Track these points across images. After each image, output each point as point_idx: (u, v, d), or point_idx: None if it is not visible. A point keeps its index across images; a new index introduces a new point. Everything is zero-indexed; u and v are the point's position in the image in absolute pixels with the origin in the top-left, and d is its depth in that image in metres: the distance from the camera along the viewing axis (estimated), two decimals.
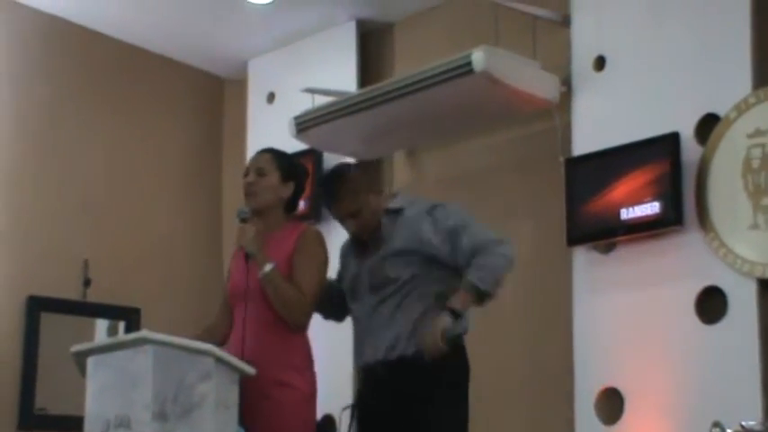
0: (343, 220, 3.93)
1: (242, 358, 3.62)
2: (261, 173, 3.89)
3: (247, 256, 3.79)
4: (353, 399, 5.61)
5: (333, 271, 4.07)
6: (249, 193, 3.88)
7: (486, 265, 3.69)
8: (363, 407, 3.89)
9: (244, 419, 3.57)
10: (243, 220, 3.84)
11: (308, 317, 3.78)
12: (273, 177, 3.89)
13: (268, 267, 3.72)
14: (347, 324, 5.81)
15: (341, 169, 4.00)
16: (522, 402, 5.02)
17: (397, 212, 3.87)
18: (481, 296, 3.71)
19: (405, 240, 3.79)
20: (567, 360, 4.99)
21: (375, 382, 3.83)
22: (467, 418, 3.80)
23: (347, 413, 5.39)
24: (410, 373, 3.70)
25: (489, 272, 3.69)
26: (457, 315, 3.65)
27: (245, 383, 3.59)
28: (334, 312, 4.08)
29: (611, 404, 4.82)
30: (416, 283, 3.76)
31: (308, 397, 3.77)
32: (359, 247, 3.95)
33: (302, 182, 3.99)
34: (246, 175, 3.92)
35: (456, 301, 3.67)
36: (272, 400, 3.67)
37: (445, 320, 3.63)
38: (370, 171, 4.00)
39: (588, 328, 4.95)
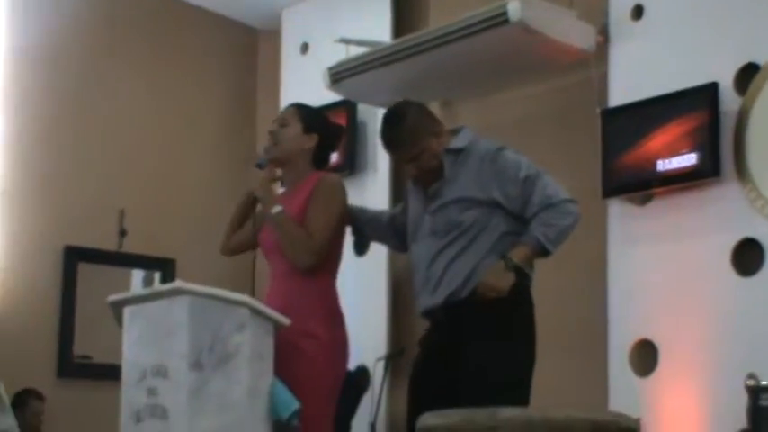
0: (402, 164, 3.90)
1: (273, 308, 3.66)
2: (283, 123, 3.95)
3: (255, 202, 3.84)
4: (389, 349, 5.69)
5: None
6: (272, 140, 3.95)
7: (554, 223, 3.64)
8: (425, 342, 3.88)
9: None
10: (258, 166, 3.90)
11: (313, 259, 3.78)
12: (295, 128, 3.94)
13: (275, 209, 3.78)
14: (381, 276, 5.87)
15: (400, 111, 3.87)
16: (555, 354, 4.99)
17: (459, 152, 3.80)
18: (542, 253, 3.68)
19: (470, 187, 3.72)
20: (601, 312, 4.99)
21: (436, 326, 3.83)
22: (524, 367, 3.72)
23: (381, 364, 5.48)
24: (467, 318, 3.66)
25: (555, 230, 3.64)
26: (512, 266, 3.63)
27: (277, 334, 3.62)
28: (400, 243, 4.07)
29: (645, 356, 4.82)
30: (478, 230, 3.70)
31: (332, 346, 3.80)
32: (422, 187, 3.89)
33: (328, 136, 3.99)
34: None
35: (515, 253, 3.64)
36: (297, 350, 3.71)
37: (506, 275, 3.60)
38: (428, 111, 3.91)
39: (623, 281, 4.94)
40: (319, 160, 3.99)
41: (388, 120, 3.88)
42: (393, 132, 3.83)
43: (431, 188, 3.82)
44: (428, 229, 3.79)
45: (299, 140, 3.93)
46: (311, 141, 3.94)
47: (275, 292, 3.85)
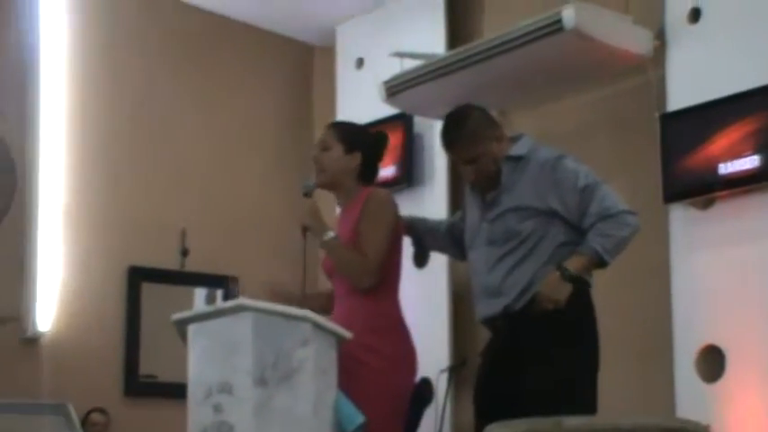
0: (458, 165, 3.89)
1: (338, 325, 3.67)
2: (325, 147, 3.93)
3: (305, 230, 3.84)
4: (452, 360, 5.68)
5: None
6: (316, 168, 3.94)
7: (612, 234, 3.62)
8: (487, 353, 3.88)
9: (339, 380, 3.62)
10: (306, 195, 3.90)
11: (372, 279, 3.79)
12: (337, 150, 3.91)
13: (326, 237, 3.78)
14: (441, 288, 5.86)
15: (463, 113, 3.87)
16: (620, 361, 4.98)
17: (519, 159, 3.79)
18: (599, 263, 3.67)
19: (528, 196, 3.72)
20: (665, 318, 4.94)
21: (497, 335, 3.82)
22: (589, 375, 3.69)
23: (445, 376, 5.47)
24: (528, 327, 3.66)
25: (613, 241, 3.63)
26: (569, 277, 3.61)
27: (341, 349, 3.63)
28: (459, 252, 4.07)
29: (712, 362, 4.76)
30: (536, 239, 3.70)
31: (396, 360, 3.80)
32: (481, 194, 3.88)
33: (371, 150, 3.98)
34: None
35: (572, 263, 3.63)
36: (362, 365, 3.73)
37: (562, 286, 3.59)
38: (490, 115, 3.90)
39: (687, 286, 4.88)
40: (367, 175, 3.98)
41: (450, 120, 3.86)
42: (454, 133, 3.82)
43: (488, 195, 3.81)
44: (485, 238, 3.79)
45: (342, 162, 3.92)
46: (355, 160, 3.92)
47: (339, 311, 3.88)
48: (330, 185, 3.96)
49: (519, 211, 3.71)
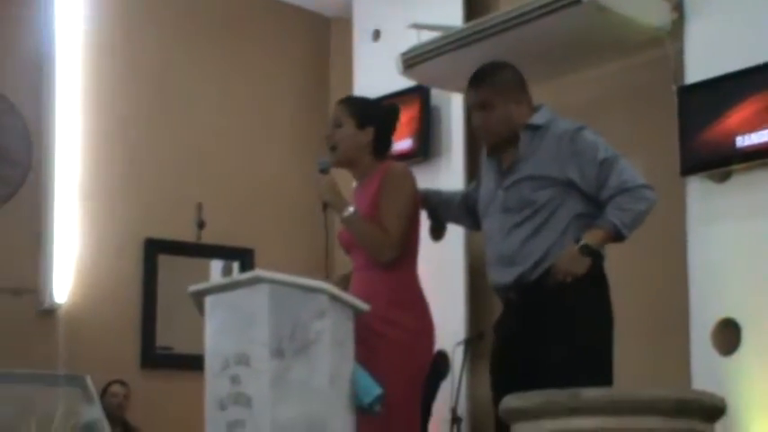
0: (472, 109, 3.89)
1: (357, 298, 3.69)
2: (337, 124, 3.94)
3: (325, 206, 3.83)
4: (468, 333, 5.68)
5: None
6: (330, 146, 3.96)
7: (630, 209, 3.63)
8: (499, 328, 3.89)
9: (358, 353, 3.63)
10: (322, 171, 3.91)
11: (394, 252, 3.80)
12: (349, 126, 3.92)
13: (346, 212, 3.79)
14: (458, 261, 5.86)
15: (500, 63, 3.94)
16: (636, 334, 4.98)
17: (537, 129, 3.79)
18: (617, 237, 3.66)
19: (546, 165, 3.72)
20: (681, 291, 4.92)
21: (510, 309, 3.83)
22: (605, 348, 3.69)
23: (461, 349, 5.47)
24: (542, 301, 3.66)
25: (631, 215, 3.63)
26: (588, 251, 3.60)
27: (359, 322, 3.64)
28: (473, 222, 4.08)
29: (728, 335, 4.74)
30: (552, 209, 3.70)
31: (416, 333, 3.82)
32: (498, 161, 3.89)
33: (383, 123, 3.98)
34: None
35: (590, 237, 3.63)
36: (382, 338, 3.74)
37: (581, 259, 3.60)
38: (524, 82, 3.91)
39: (703, 259, 4.87)
40: (381, 149, 3.98)
41: (486, 64, 3.93)
42: (483, 73, 3.88)
43: (505, 163, 3.81)
44: (501, 205, 3.79)
45: (356, 138, 3.93)
46: (368, 135, 3.93)
47: (358, 284, 3.88)
48: (345, 162, 3.97)
49: (536, 179, 3.71)
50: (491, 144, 3.86)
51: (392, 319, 3.76)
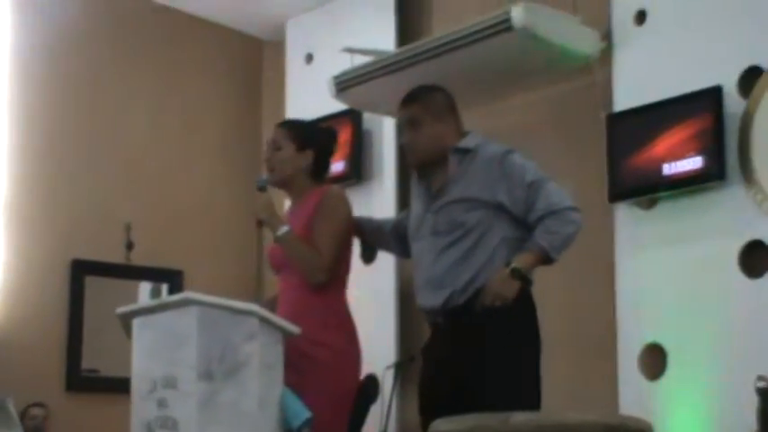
0: (401, 126, 3.90)
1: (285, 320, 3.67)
2: (277, 146, 3.95)
3: (260, 224, 3.84)
4: (399, 356, 5.68)
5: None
6: (268, 168, 3.96)
7: (558, 231, 3.64)
8: (427, 352, 3.88)
9: (286, 375, 3.60)
10: (260, 189, 3.93)
11: (326, 274, 3.81)
12: (289, 150, 3.94)
13: (281, 231, 3.79)
14: (389, 284, 5.86)
15: (431, 86, 3.99)
16: (563, 359, 5.01)
17: (466, 152, 3.80)
18: (546, 260, 3.68)
19: (475, 188, 3.73)
20: (609, 316, 4.98)
21: (436, 330, 3.83)
22: (533, 372, 3.70)
23: (391, 372, 5.46)
24: (470, 326, 3.66)
25: (560, 238, 3.65)
26: (518, 275, 3.62)
27: (287, 344, 3.62)
28: (403, 250, 4.08)
29: (655, 360, 4.81)
30: (481, 232, 3.70)
31: (345, 356, 3.81)
32: (426, 186, 3.89)
33: (322, 147, 4.00)
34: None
35: (520, 260, 3.64)
36: (310, 360, 3.74)
37: (510, 283, 3.60)
38: (456, 107, 3.94)
39: (631, 284, 4.93)
40: (318, 171, 4.00)
41: (421, 85, 3.98)
42: (418, 90, 3.93)
43: (434, 186, 3.82)
44: (430, 228, 3.80)
45: (295, 161, 3.94)
46: (307, 158, 3.95)
47: (287, 305, 3.87)
48: (282, 184, 3.97)
49: (465, 202, 3.72)
50: (417, 162, 3.87)
51: (321, 341, 3.76)
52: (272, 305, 3.97)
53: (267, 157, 3.97)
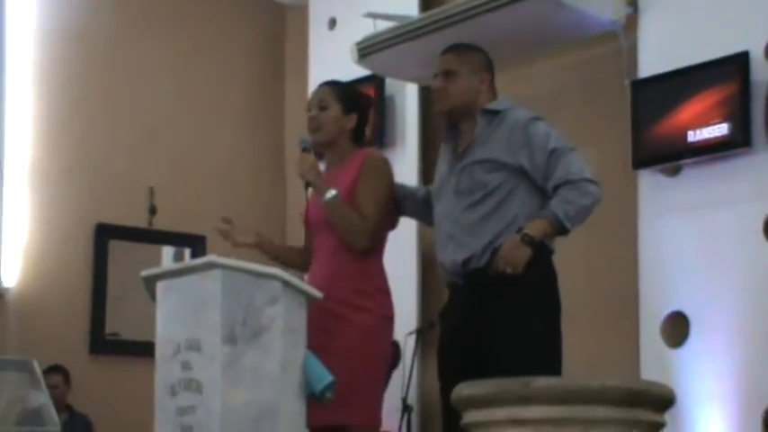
0: (436, 74, 3.87)
1: (318, 284, 3.67)
2: (323, 106, 3.89)
3: (308, 185, 3.81)
4: (420, 323, 5.69)
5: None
6: (312, 127, 3.89)
7: (573, 201, 3.60)
8: (446, 316, 3.86)
9: (314, 341, 3.60)
10: (304, 150, 3.85)
11: (371, 240, 3.78)
12: (335, 110, 3.88)
13: (329, 195, 3.74)
14: (410, 250, 5.86)
15: (473, 44, 3.96)
16: (586, 326, 5.02)
17: (494, 114, 3.78)
18: (560, 230, 3.64)
19: (498, 149, 3.70)
20: (632, 284, 4.98)
21: (454, 293, 3.81)
22: (553, 338, 3.67)
23: (412, 338, 5.48)
24: (489, 290, 3.64)
25: (576, 208, 3.60)
26: (529, 241, 3.59)
27: (318, 307, 3.62)
28: (430, 216, 4.03)
29: (677, 328, 4.80)
30: (502, 195, 3.68)
31: (379, 320, 3.78)
32: (453, 146, 3.87)
33: (366, 111, 3.98)
34: (309, 109, 3.93)
35: (532, 227, 3.61)
36: (349, 323, 3.71)
37: (522, 248, 3.57)
38: (493, 68, 3.92)
39: (654, 252, 4.92)
40: (358, 136, 3.96)
41: (464, 42, 3.96)
42: (458, 43, 3.92)
43: (460, 146, 3.81)
44: (452, 188, 3.77)
45: (340, 122, 3.88)
46: (351, 121, 3.90)
47: (323, 268, 3.83)
48: (326, 145, 3.91)
49: (488, 163, 3.70)
50: (445, 109, 3.83)
51: (357, 305, 3.73)
52: (285, 250, 4.02)
53: (313, 115, 3.90)
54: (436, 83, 3.84)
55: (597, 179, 3.65)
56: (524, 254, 3.59)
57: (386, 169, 3.88)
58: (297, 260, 4.03)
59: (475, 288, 3.68)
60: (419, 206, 4.10)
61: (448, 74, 3.81)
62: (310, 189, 3.84)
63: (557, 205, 3.61)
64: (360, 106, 3.94)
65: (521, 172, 3.68)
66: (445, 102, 3.82)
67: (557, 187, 3.63)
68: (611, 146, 5.08)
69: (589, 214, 3.65)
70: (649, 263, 4.93)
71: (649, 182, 4.99)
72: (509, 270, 3.57)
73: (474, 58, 3.85)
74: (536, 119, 3.74)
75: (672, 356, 4.78)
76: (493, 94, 3.86)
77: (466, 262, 3.70)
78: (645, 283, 4.93)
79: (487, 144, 3.73)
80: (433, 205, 3.97)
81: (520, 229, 3.60)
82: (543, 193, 3.70)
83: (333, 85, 3.98)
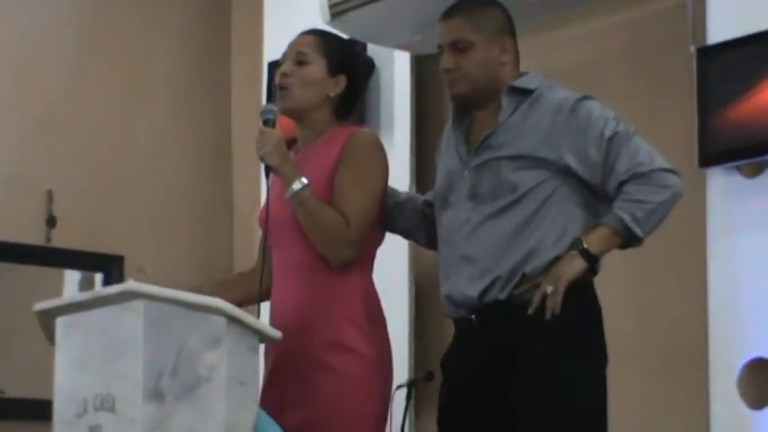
0: (442, 51, 3.83)
1: (282, 315, 3.69)
2: (301, 60, 3.86)
3: (269, 171, 3.75)
4: (413, 373, 5.68)
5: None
6: (283, 86, 3.86)
7: (645, 200, 3.61)
8: (453, 363, 3.86)
9: (287, 396, 3.65)
10: (265, 122, 3.81)
11: (353, 251, 3.75)
12: (317, 67, 3.86)
13: (297, 185, 3.71)
14: (401, 279, 5.85)
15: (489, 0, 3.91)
16: (640, 379, 5.05)
17: (525, 94, 3.78)
18: (628, 240, 3.64)
19: (534, 141, 3.70)
20: (697, 322, 4.98)
21: (465, 332, 3.79)
22: (599, 394, 3.69)
23: (403, 392, 5.47)
24: (511, 332, 3.64)
25: (647, 209, 3.61)
26: (591, 259, 3.58)
27: (291, 350, 3.65)
28: (429, 238, 4.02)
29: (760, 380, 4.80)
30: (540, 201, 3.67)
31: (377, 364, 3.78)
32: (465, 135, 3.86)
33: (359, 77, 3.97)
34: (282, 62, 3.88)
35: (594, 240, 3.61)
36: (330, 370, 3.71)
37: (575, 264, 3.57)
38: (512, 27, 3.90)
39: (727, 279, 4.93)
40: (343, 109, 3.93)
41: None
42: (462, 1, 3.85)
43: (476, 136, 3.78)
44: (467, 190, 3.76)
45: (323, 85, 3.86)
46: (339, 86, 3.88)
47: (293, 290, 3.80)
48: (298, 112, 3.88)
49: (519, 159, 3.69)
50: (467, 93, 3.81)
51: (344, 344, 3.72)
52: (224, 290, 3.89)
53: (286, 71, 3.85)
54: (446, 61, 3.81)
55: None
56: (575, 267, 3.59)
57: (377, 152, 3.85)
58: (251, 293, 3.98)
59: (495, 324, 3.66)
60: (413, 219, 4.08)
61: (457, 46, 3.78)
62: (272, 177, 3.79)
63: (621, 206, 3.62)
64: (351, 68, 3.90)
65: (565, 171, 3.66)
66: (465, 82, 3.80)
67: (621, 184, 3.64)
68: (671, 136, 5.09)
69: (667, 215, 3.67)
70: (721, 293, 4.94)
71: (722, 184, 5.00)
72: (552, 298, 3.53)
73: (489, 18, 3.84)
74: (585, 98, 3.75)
75: (753, 419, 4.78)
76: (517, 66, 3.84)
77: (483, 293, 3.67)
78: (716, 320, 4.93)
79: (517, 133, 3.72)
80: (434, 217, 3.94)
81: (573, 243, 3.57)
82: (598, 197, 3.69)
83: (319, 34, 3.96)
